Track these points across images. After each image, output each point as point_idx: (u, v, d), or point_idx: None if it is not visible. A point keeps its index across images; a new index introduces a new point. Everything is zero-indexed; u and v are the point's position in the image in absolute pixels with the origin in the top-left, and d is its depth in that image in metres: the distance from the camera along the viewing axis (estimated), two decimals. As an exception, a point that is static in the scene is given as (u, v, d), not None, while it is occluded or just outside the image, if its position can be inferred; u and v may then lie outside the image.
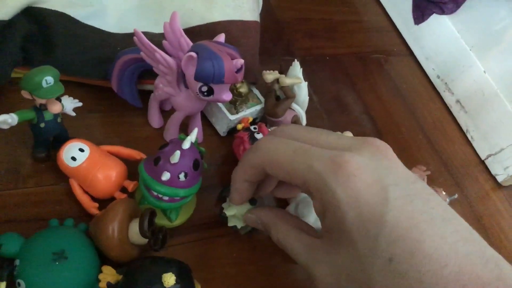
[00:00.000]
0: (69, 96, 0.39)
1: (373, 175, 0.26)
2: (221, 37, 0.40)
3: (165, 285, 0.30)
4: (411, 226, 0.24)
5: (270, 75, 0.47)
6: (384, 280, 0.23)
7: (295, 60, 0.49)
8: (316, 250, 0.29)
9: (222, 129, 0.47)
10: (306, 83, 0.49)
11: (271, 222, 0.33)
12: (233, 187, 0.34)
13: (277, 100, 0.48)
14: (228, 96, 0.38)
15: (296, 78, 0.48)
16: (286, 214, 0.34)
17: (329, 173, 0.26)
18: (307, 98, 0.50)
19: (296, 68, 0.48)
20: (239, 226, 0.42)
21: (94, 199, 0.38)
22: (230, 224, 0.41)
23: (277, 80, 0.47)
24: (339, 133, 0.40)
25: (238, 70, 0.37)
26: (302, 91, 0.49)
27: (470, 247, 0.23)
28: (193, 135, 0.35)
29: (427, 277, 0.22)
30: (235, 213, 0.40)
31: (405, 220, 0.24)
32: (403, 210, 0.24)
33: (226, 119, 0.46)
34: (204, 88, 0.37)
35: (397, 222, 0.24)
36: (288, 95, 0.47)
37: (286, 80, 0.46)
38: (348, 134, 0.49)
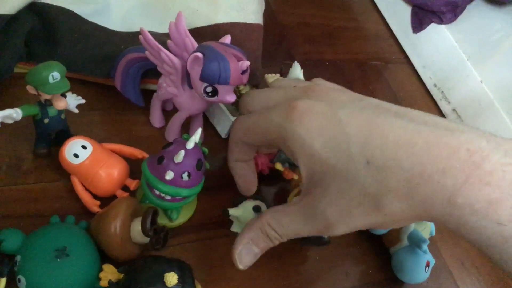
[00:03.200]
0: (71, 93, 0.39)
1: (322, 108, 0.29)
2: (227, 39, 0.40)
3: (167, 284, 0.30)
4: (371, 128, 0.27)
5: (272, 79, 0.47)
6: (372, 181, 0.26)
7: (295, 61, 0.49)
8: (309, 205, 0.29)
9: (223, 130, 0.47)
10: None
11: None
12: (235, 176, 0.39)
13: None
14: (232, 97, 0.38)
15: (297, 79, 0.48)
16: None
17: (286, 119, 0.30)
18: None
19: (297, 69, 0.48)
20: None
21: (95, 197, 0.38)
22: (233, 229, 0.41)
23: None
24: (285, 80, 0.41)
25: (244, 72, 0.37)
26: None
27: (432, 127, 0.26)
28: (197, 135, 0.35)
29: (402, 160, 0.25)
30: (239, 217, 0.40)
31: (363, 125, 0.27)
32: (358, 120, 0.27)
33: (228, 120, 0.46)
34: (209, 89, 0.38)
35: (357, 131, 0.27)
36: None
37: None
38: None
